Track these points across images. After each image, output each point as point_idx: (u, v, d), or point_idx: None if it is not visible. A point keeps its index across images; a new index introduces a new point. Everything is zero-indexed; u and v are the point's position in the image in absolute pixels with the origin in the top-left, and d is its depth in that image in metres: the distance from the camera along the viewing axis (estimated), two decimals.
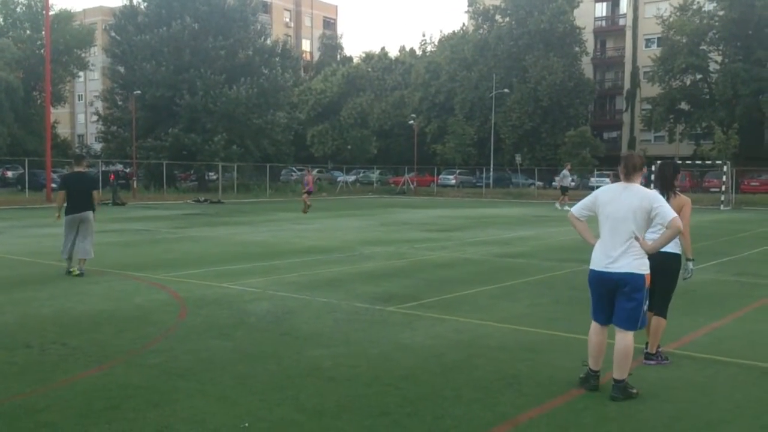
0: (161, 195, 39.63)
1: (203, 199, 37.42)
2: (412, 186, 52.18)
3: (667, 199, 5.91)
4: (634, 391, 5.26)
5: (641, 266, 5.19)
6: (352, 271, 11.56)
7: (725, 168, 36.91)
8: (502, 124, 57.16)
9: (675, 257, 6.03)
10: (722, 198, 35.96)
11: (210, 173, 49.45)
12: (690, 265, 6.24)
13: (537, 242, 16.98)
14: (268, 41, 53.05)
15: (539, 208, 32.54)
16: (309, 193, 28.37)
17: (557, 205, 30.97)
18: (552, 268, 12.25)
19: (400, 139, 64.94)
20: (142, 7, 48.62)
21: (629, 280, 5.15)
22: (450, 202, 39.53)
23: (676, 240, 5.91)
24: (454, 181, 56.21)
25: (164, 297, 9.14)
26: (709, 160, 42.80)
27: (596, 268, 5.31)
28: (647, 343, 6.25)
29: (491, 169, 53.91)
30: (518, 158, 54.44)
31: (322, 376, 5.69)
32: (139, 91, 43.15)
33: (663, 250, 5.65)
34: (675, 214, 5.16)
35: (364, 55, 73.50)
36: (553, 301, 9.23)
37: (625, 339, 5.23)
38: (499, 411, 4.95)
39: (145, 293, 9.38)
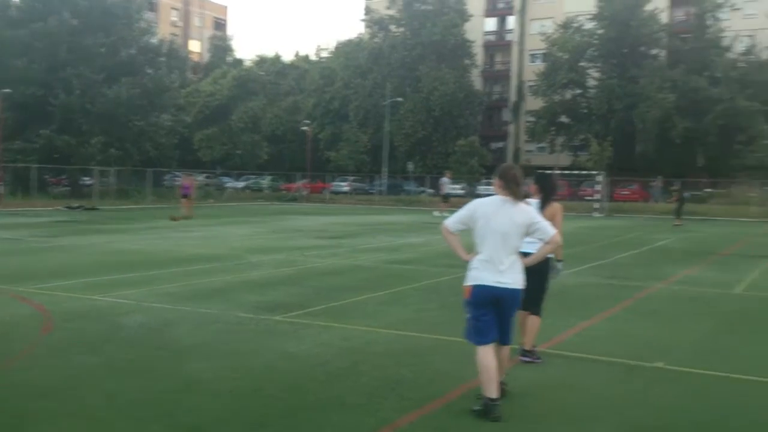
0: (30, 201, 36.69)
1: (77, 205, 34.93)
2: (304, 193, 51.92)
3: (544, 207, 6.20)
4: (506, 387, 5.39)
5: (523, 281, 5.22)
6: (237, 281, 11.35)
7: (599, 178, 39.01)
8: (396, 132, 57.99)
9: (546, 260, 6.18)
10: (596, 206, 37.96)
11: (85, 178, 46.85)
12: (559, 265, 6.55)
13: (426, 248, 17.32)
14: (154, 40, 51.29)
15: (429, 215, 33.19)
16: (186, 197, 27.21)
17: (435, 212, 31.82)
18: (439, 273, 12.53)
19: (293, 145, 64.45)
20: (15, 0, 45.81)
21: (516, 295, 5.17)
22: (342, 209, 39.63)
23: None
24: (347, 188, 56.42)
25: (28, 311, 8.57)
26: (585, 170, 45.15)
27: (486, 284, 5.05)
28: (523, 342, 6.52)
29: (384, 177, 54.50)
30: (410, 166, 55.38)
31: (200, 391, 5.54)
32: (9, 90, 40.26)
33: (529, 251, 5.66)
34: (555, 230, 5.26)
35: (256, 58, 72.59)
36: (439, 306, 9.45)
37: (505, 351, 5.34)
38: (381, 416, 5.02)
39: (6, 307, 8.74)
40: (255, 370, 6.16)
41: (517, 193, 5.13)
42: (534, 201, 6.27)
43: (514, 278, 5.11)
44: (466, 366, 6.11)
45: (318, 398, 5.40)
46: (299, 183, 53.70)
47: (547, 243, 5.22)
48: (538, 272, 6.06)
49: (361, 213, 35.65)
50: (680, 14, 59.35)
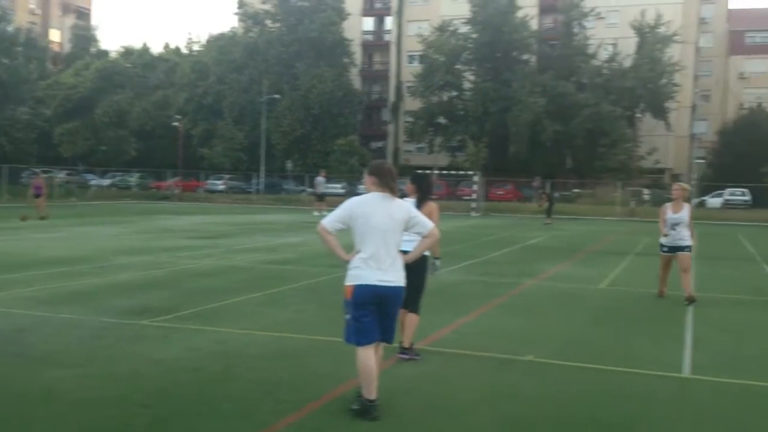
0: None
1: None
2: (176, 191, 50.16)
3: (420, 206, 6.15)
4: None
5: (404, 278, 5.14)
6: (102, 284, 10.72)
7: (476, 178, 40.24)
8: (273, 129, 57.23)
9: (423, 257, 6.13)
10: (473, 205, 39.13)
11: None
12: (437, 263, 6.62)
13: (305, 248, 17.12)
14: (10, 28, 47.97)
15: (309, 214, 32.95)
16: (39, 197, 25.49)
17: (315, 212, 31.74)
18: (318, 273, 12.40)
19: (164, 142, 62.13)
20: None
21: (399, 293, 5.09)
22: (218, 209, 38.65)
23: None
24: (222, 187, 55.06)
25: None
26: (462, 170, 46.46)
27: (369, 283, 4.91)
28: (401, 339, 6.52)
29: (262, 175, 53.66)
30: (289, 164, 54.84)
31: (61, 400, 5.17)
32: None
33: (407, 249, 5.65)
34: (432, 224, 5.23)
35: (122, 49, 69.44)
36: (317, 306, 9.32)
37: (381, 351, 5.24)
38: (257, 420, 4.86)
39: None
40: (120, 377, 5.81)
41: (393, 188, 5.05)
42: (411, 200, 6.25)
43: (396, 276, 5.02)
44: (345, 366, 6.04)
45: (189, 405, 5.15)
46: (171, 181, 51.77)
47: (425, 237, 5.18)
48: (416, 270, 6.00)
49: (237, 212, 34.90)
50: (549, 21, 62.27)
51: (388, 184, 5.04)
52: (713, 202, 48.26)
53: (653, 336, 7.93)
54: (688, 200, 10.47)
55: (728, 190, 48.71)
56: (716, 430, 4.95)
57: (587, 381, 6.08)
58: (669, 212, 10.26)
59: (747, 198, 47.54)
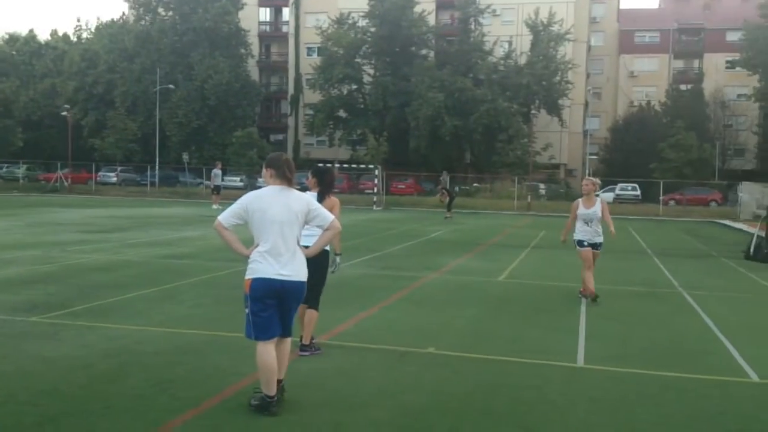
0: None
1: None
2: (66, 183, 47.89)
3: (322, 200, 6.11)
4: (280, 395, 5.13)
5: (306, 274, 5.07)
6: None
7: (377, 171, 40.52)
8: (168, 120, 55.55)
9: (324, 253, 6.13)
10: (374, 199, 39.40)
11: None
12: (338, 259, 6.65)
13: (202, 242, 16.75)
14: None
15: (207, 208, 32.23)
16: None
17: (214, 206, 31.15)
18: (216, 268, 12.17)
19: (52, 131, 59.35)
20: None
21: (300, 287, 5.02)
22: (110, 201, 37.19)
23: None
24: (115, 179, 53.01)
25: None
26: (363, 164, 46.66)
27: (268, 276, 4.82)
28: (302, 336, 6.50)
29: (157, 167, 52.00)
30: (185, 157, 53.36)
31: None
32: None
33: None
34: (333, 216, 5.18)
35: (7, 36, 65.63)
36: (215, 301, 9.16)
37: (287, 345, 5.19)
38: (151, 418, 4.73)
39: None
40: (7, 375, 5.55)
41: (291, 180, 5.01)
42: (312, 194, 6.23)
43: (296, 270, 4.95)
44: (244, 361, 5.97)
45: (80, 403, 4.97)
46: (60, 172, 49.35)
47: (326, 230, 5.12)
48: (316, 265, 5.94)
49: (131, 206, 33.71)
50: (446, 17, 63.33)
51: (285, 175, 4.97)
52: (605, 196, 50.51)
53: (549, 327, 8.23)
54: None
55: (619, 185, 51.15)
56: (608, 418, 5.16)
57: (485, 372, 6.24)
58: (581, 208, 9.98)
59: (637, 192, 50.08)
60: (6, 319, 7.54)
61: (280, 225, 4.87)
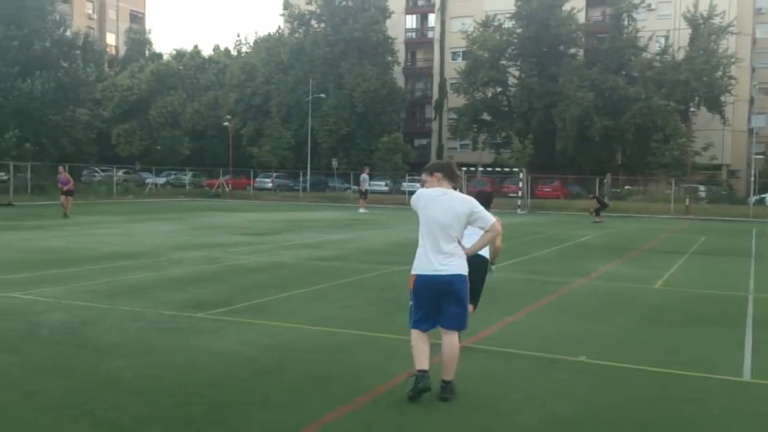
0: None
1: None
2: (227, 189, 51.03)
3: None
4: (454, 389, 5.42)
5: (465, 268, 5.34)
6: (158, 278, 11.04)
7: (521, 175, 39.88)
8: (319, 128, 57.66)
9: (485, 260, 6.77)
10: (519, 203, 38.80)
11: (0, 173, 44.93)
12: (492, 268, 7.23)
13: (351, 245, 17.26)
14: (68, 33, 49.52)
15: (354, 211, 33.18)
16: (69, 193, 25.32)
17: (361, 209, 31.85)
18: (365, 270, 12.50)
19: (215, 141, 63.28)
20: None
21: (457, 282, 5.25)
22: (266, 206, 39.14)
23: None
24: (270, 185, 55.75)
25: None
26: (507, 167, 46.08)
27: (424, 273, 5.23)
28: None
29: (308, 173, 54.15)
30: (335, 162, 55.22)
31: (121, 389, 5.37)
32: None
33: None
34: (494, 219, 5.46)
35: (174, 52, 70.85)
36: (364, 302, 9.42)
37: (453, 340, 5.37)
38: (307, 413, 4.95)
39: None
40: (177, 367, 6.00)
41: (452, 185, 5.39)
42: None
43: (454, 266, 5.26)
44: (393, 361, 6.11)
45: (243, 396, 5.29)
46: (222, 179, 52.70)
47: (488, 231, 5.39)
48: (478, 272, 6.38)
49: (285, 210, 35.31)
50: (597, 14, 61.25)
51: (450, 179, 5.39)
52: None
53: (711, 338, 7.77)
54: None
55: None
56: None
57: (640, 383, 5.99)
58: None
59: None
60: (175, 314, 8.16)
61: (439, 225, 5.22)
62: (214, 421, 4.75)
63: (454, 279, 5.23)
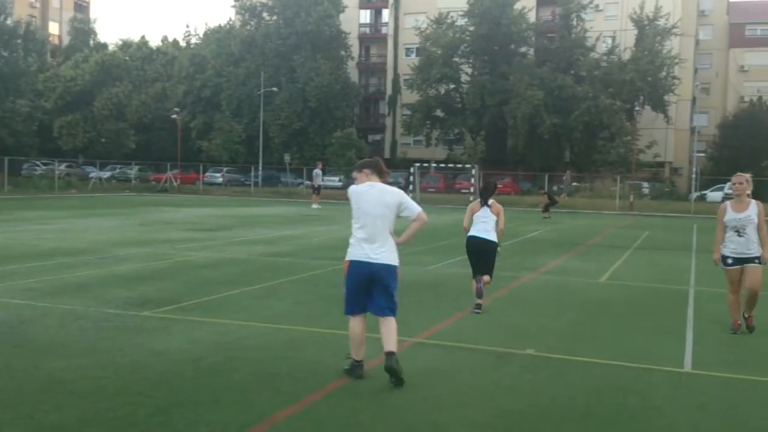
0: None
1: None
2: (175, 183, 50.17)
3: (487, 204, 8.71)
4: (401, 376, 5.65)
5: (396, 258, 5.69)
6: (103, 275, 10.77)
7: (474, 171, 40.24)
8: (271, 122, 57.13)
9: (494, 243, 8.79)
10: (471, 198, 39.12)
11: None
12: (499, 249, 8.97)
13: (303, 241, 17.17)
14: (9, 21, 47.93)
15: (307, 207, 32.99)
16: None
17: (314, 205, 31.72)
18: (317, 266, 12.44)
19: (162, 134, 62.09)
20: None
21: (386, 271, 5.59)
22: (216, 201, 38.65)
23: (494, 230, 8.72)
24: (221, 180, 55.02)
25: None
26: (460, 163, 46.45)
27: (356, 259, 5.61)
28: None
29: (260, 168, 53.64)
30: (287, 157, 54.83)
31: (62, 390, 5.22)
32: None
33: (487, 237, 8.62)
34: (420, 209, 5.76)
35: (120, 42, 69.28)
36: (316, 298, 9.37)
37: (390, 322, 5.62)
38: (256, 412, 4.90)
39: None
40: (121, 368, 5.85)
41: (384, 179, 5.81)
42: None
43: (385, 255, 5.61)
44: (346, 362, 6.06)
45: (190, 396, 5.20)
46: (169, 173, 51.72)
47: (415, 220, 5.73)
48: (490, 252, 8.80)
49: (236, 205, 34.91)
50: (547, 14, 62.12)
51: (380, 174, 5.79)
52: (714, 195, 48.24)
53: (654, 330, 7.96)
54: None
55: (728, 184, 48.65)
56: (717, 425, 4.97)
57: (587, 375, 6.10)
58: (730, 212, 7.77)
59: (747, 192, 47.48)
60: (120, 313, 7.96)
61: (371, 216, 5.61)
62: (159, 423, 4.65)
63: (383, 268, 5.57)
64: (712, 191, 49.27)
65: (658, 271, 13.44)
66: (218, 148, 57.15)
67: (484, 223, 8.71)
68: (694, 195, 45.84)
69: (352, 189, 5.78)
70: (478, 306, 8.51)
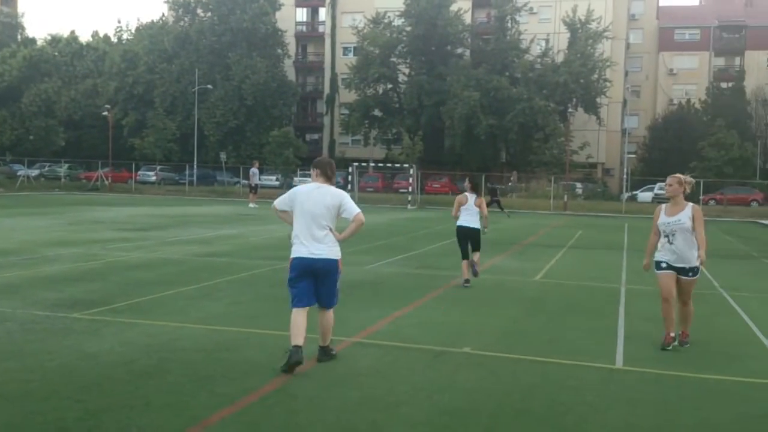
0: None
1: None
2: (106, 182, 48.80)
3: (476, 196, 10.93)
4: (334, 352, 6.28)
5: (336, 253, 6.04)
6: (30, 276, 10.40)
7: (412, 171, 40.49)
8: (206, 120, 56.24)
9: (477, 229, 11.02)
10: (409, 198, 39.38)
11: None
12: (485, 230, 11.23)
13: (240, 240, 16.94)
14: None
15: (244, 206, 32.58)
16: None
17: (251, 204, 31.41)
18: (254, 266, 12.29)
19: (93, 131, 60.41)
20: None
21: (329, 265, 5.97)
22: (150, 200, 37.80)
23: (478, 217, 10.93)
24: (154, 178, 53.79)
25: None
26: (398, 163, 46.67)
27: (300, 256, 5.95)
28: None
29: (195, 166, 52.69)
30: (223, 156, 54.02)
31: None
32: None
33: (473, 226, 10.90)
34: (359, 210, 6.07)
35: (49, 37, 67.01)
36: (253, 298, 9.25)
37: (327, 315, 6.14)
38: (190, 414, 4.80)
39: None
40: (50, 371, 5.66)
41: (332, 178, 6.17)
42: (471, 195, 10.95)
43: (325, 251, 5.99)
44: (282, 358, 6.01)
45: (121, 399, 5.06)
46: (101, 172, 50.25)
47: (353, 221, 6.04)
48: (476, 236, 11.10)
49: (170, 204, 34.21)
50: (482, 16, 62.98)
51: (323, 176, 6.12)
52: (644, 196, 49.83)
53: (587, 328, 8.15)
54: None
55: (658, 185, 50.35)
56: (647, 420, 5.10)
57: (522, 372, 6.20)
58: (662, 215, 7.16)
59: None
60: (49, 315, 7.70)
61: (312, 215, 5.97)
62: (89, 427, 4.51)
63: (326, 263, 5.94)
64: (642, 192, 50.88)
65: (591, 269, 13.79)
66: (151, 146, 55.85)
67: (470, 215, 10.87)
68: (625, 195, 47.24)
69: (298, 189, 6.15)
70: (468, 281, 10.74)
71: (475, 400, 5.36)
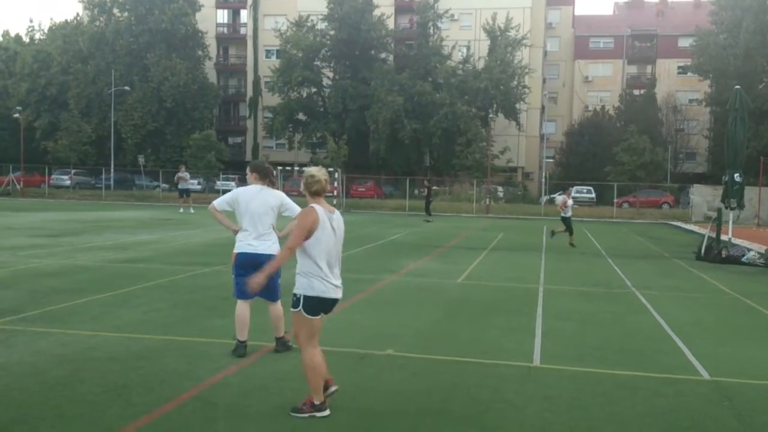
0: None
1: None
2: (18, 186, 46.74)
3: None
4: (290, 343, 6.51)
5: (278, 249, 6.38)
6: None
7: (337, 175, 40.42)
8: (124, 122, 54.68)
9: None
10: (335, 202, 39.26)
11: None
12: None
13: (159, 246, 16.50)
14: None
15: (164, 211, 31.78)
16: None
17: (181, 209, 30.72)
18: (174, 272, 12.01)
19: (3, 134, 58.10)
20: None
21: (270, 260, 5.99)
22: (64, 205, 36.39)
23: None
24: (69, 182, 51.82)
25: None
26: (323, 166, 46.44)
27: (243, 251, 6.46)
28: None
29: (112, 170, 51.09)
30: (141, 159, 52.60)
31: None
32: None
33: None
34: (300, 209, 6.19)
35: None
36: (171, 305, 9.03)
37: (276, 307, 6.63)
38: (104, 425, 4.66)
39: None
40: None
41: (273, 181, 6.70)
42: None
43: (268, 246, 6.48)
44: (200, 365, 5.92)
45: (32, 410, 4.87)
46: (12, 176, 48.11)
47: (294, 219, 6.09)
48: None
49: (85, 209, 33.03)
50: (405, 21, 63.56)
51: (262, 178, 6.61)
52: (561, 199, 51.19)
53: (506, 327, 8.31)
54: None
55: (575, 188, 51.96)
56: (563, 416, 5.24)
57: (443, 373, 6.27)
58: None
59: (592, 195, 50.89)
60: None
61: (256, 215, 6.48)
62: None
63: (269, 258, 6.15)
64: (560, 195, 52.24)
65: (511, 270, 14.09)
66: (65, 149, 53.89)
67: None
68: (544, 198, 48.54)
69: (240, 191, 6.65)
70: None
71: (397, 401, 5.39)
